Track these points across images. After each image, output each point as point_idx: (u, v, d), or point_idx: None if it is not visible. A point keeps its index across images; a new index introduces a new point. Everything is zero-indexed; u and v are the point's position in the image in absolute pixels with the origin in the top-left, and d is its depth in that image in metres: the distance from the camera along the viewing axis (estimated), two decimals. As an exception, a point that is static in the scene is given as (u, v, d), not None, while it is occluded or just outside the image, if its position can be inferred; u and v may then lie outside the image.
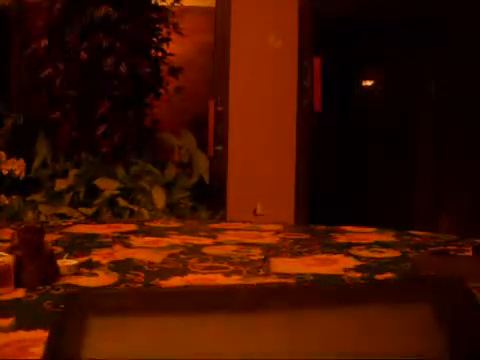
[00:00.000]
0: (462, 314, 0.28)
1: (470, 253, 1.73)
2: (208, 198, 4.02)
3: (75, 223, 2.52)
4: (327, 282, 1.47)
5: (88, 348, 0.28)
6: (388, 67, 6.00)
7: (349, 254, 1.82)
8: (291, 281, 1.50)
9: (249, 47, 4.25)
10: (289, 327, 0.27)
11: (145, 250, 1.86)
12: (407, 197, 5.82)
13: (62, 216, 3.48)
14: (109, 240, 2.03)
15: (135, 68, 3.78)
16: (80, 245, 1.93)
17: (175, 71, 4.02)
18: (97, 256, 1.75)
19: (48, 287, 1.40)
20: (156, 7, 3.98)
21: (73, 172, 3.75)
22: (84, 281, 1.48)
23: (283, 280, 1.51)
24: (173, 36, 4.03)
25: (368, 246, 1.95)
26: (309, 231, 2.38)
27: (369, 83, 6.38)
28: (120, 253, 1.81)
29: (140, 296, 0.29)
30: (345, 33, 5.56)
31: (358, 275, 1.56)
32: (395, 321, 0.28)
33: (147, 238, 2.09)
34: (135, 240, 2.03)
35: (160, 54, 4.05)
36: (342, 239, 2.09)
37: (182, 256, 1.78)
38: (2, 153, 3.84)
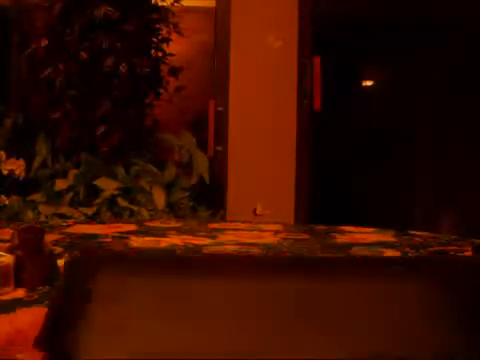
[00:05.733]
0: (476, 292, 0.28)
1: (470, 253, 1.73)
2: (208, 198, 4.02)
3: (75, 223, 2.51)
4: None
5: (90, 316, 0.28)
6: (388, 67, 6.00)
7: (349, 254, 1.82)
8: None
9: (249, 47, 4.25)
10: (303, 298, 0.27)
11: (145, 250, 1.86)
12: (407, 197, 5.82)
13: (62, 216, 3.48)
14: (109, 240, 2.03)
15: (135, 68, 3.78)
16: (80, 245, 1.93)
17: (175, 71, 4.02)
18: (97, 256, 1.74)
19: (48, 287, 1.40)
20: (156, 7, 3.98)
21: (73, 172, 3.75)
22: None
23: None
24: (173, 36, 4.02)
25: (368, 246, 1.95)
26: (309, 231, 2.38)
27: (369, 83, 6.38)
28: (120, 253, 1.81)
29: (147, 259, 0.29)
30: (345, 33, 5.56)
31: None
32: (405, 296, 0.28)
33: (147, 238, 2.09)
34: (135, 240, 2.03)
35: (160, 54, 4.05)
36: (342, 239, 2.09)
37: (182, 256, 1.78)
38: (2, 153, 3.84)
